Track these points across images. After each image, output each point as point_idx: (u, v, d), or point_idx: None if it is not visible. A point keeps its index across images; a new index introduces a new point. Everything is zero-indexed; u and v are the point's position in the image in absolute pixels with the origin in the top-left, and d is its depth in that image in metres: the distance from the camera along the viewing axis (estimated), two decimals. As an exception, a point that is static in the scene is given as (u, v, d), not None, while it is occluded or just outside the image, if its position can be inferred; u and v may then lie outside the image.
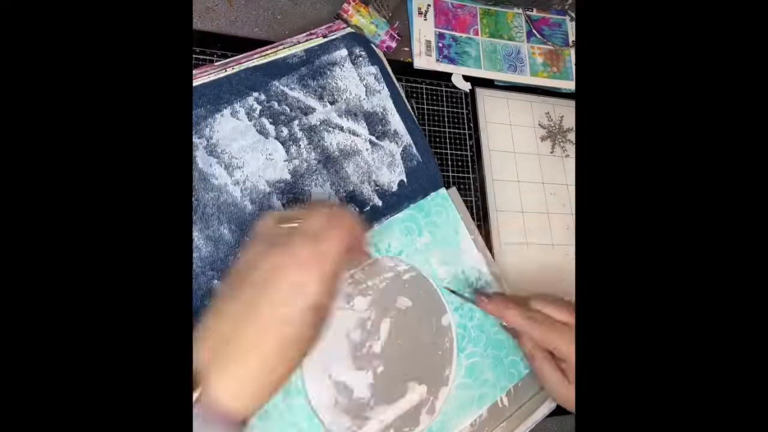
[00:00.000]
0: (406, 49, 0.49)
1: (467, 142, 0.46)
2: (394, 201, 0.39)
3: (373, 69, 0.42)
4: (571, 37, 0.56)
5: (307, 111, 0.39)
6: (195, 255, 0.33)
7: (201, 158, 0.35)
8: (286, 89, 0.39)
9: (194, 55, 0.40)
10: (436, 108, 0.47)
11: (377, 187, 0.39)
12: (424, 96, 0.47)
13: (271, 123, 0.38)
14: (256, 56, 0.39)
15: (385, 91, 0.42)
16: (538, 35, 0.54)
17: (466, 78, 0.49)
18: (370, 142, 0.40)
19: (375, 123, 0.41)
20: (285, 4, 0.46)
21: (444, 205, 0.40)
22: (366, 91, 0.41)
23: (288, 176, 0.37)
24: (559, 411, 0.38)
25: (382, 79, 0.42)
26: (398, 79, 0.46)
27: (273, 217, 0.28)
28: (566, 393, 0.33)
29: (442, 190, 0.41)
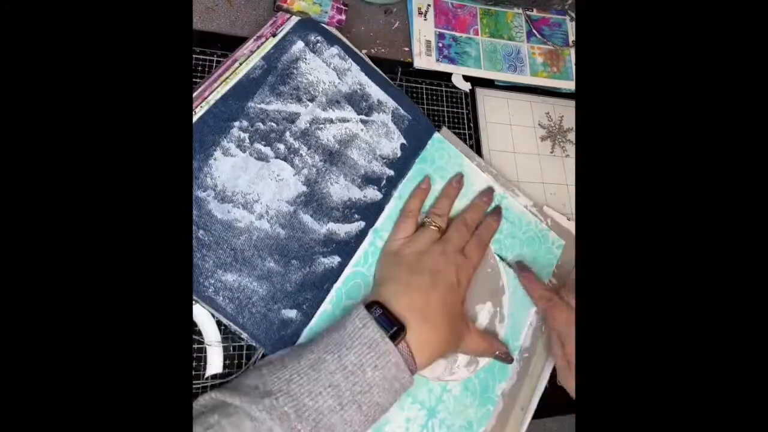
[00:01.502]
0: (407, 49, 0.49)
1: (467, 142, 0.46)
2: (402, 164, 0.41)
3: (335, 49, 0.41)
4: (571, 37, 0.56)
5: (293, 118, 0.38)
6: (255, 297, 0.33)
7: (216, 209, 0.34)
8: (263, 106, 0.37)
9: (194, 55, 0.40)
10: (436, 108, 0.47)
11: (384, 159, 0.40)
12: (424, 96, 0.47)
13: (265, 145, 0.36)
14: (217, 85, 0.37)
15: (354, 66, 0.41)
16: (538, 35, 0.54)
17: (466, 78, 0.49)
18: (361, 121, 0.40)
19: (358, 102, 0.41)
20: (285, 4, 0.46)
21: (442, 147, 0.43)
22: (337, 74, 0.41)
23: (304, 188, 0.37)
24: (559, 411, 0.38)
25: (347, 56, 0.41)
26: (398, 79, 0.46)
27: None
28: (566, 379, 0.35)
29: (436, 135, 0.43)
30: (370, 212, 0.38)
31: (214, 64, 0.41)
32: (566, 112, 0.52)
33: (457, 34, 0.51)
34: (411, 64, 0.48)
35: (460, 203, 0.41)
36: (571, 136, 0.51)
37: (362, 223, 0.38)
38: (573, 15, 0.56)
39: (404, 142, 0.41)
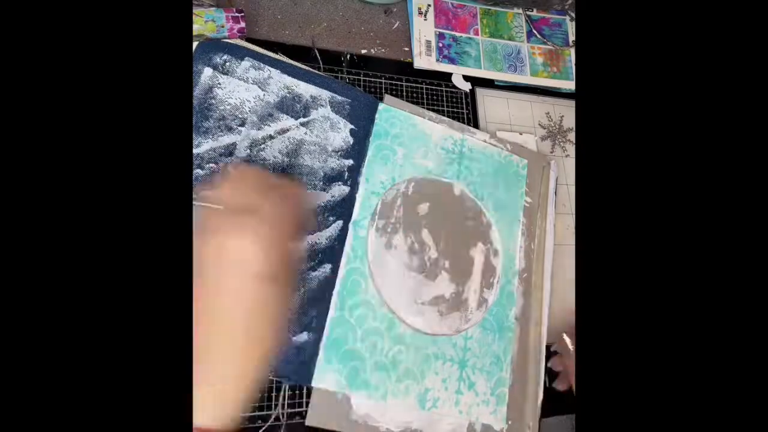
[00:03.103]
0: (407, 49, 0.49)
1: (467, 142, 0.46)
2: (358, 149, 0.39)
3: (247, 62, 0.38)
4: (571, 37, 0.56)
5: (230, 150, 0.35)
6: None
7: None
8: (194, 151, 0.35)
9: (251, 62, 0.40)
10: (436, 108, 0.47)
11: (339, 152, 0.39)
12: (424, 96, 0.47)
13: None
14: None
15: (274, 71, 0.39)
16: (538, 35, 0.54)
17: (466, 78, 0.49)
18: (302, 124, 0.38)
19: (291, 106, 0.38)
20: (285, 3, 0.46)
21: (391, 115, 0.42)
22: (259, 87, 0.38)
23: None
24: (559, 411, 0.38)
25: (262, 64, 0.39)
26: (398, 79, 0.46)
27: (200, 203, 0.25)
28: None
29: (381, 106, 0.42)
30: (343, 208, 0.37)
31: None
32: (566, 112, 0.52)
33: (457, 34, 0.51)
34: (411, 64, 0.48)
35: (423, 161, 0.41)
36: (571, 136, 0.51)
37: (340, 222, 0.37)
38: (573, 15, 0.56)
39: (352, 127, 0.40)
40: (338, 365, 0.34)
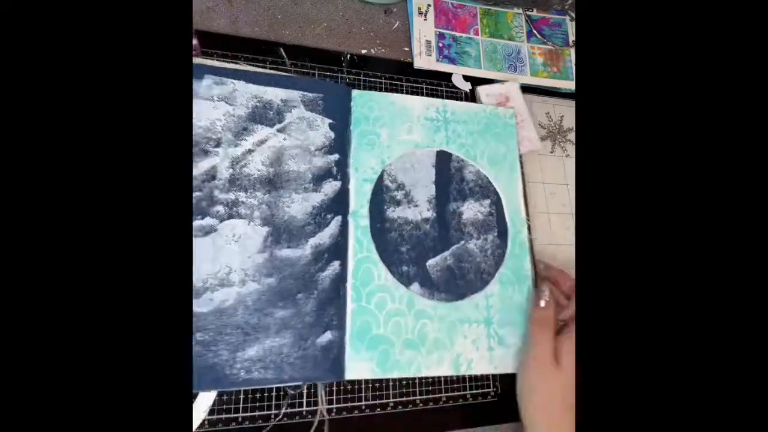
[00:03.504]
0: (407, 49, 0.49)
1: (467, 142, 0.46)
2: (341, 141, 0.39)
3: (208, 80, 0.37)
4: (571, 37, 0.56)
5: (212, 173, 0.35)
6: (285, 349, 0.32)
7: (198, 306, 0.32)
8: None
9: (213, 78, 0.40)
10: (436, 108, 0.47)
11: (322, 149, 0.38)
12: (425, 96, 0.47)
13: (201, 218, 0.33)
14: None
15: (238, 83, 0.38)
16: (538, 35, 0.54)
17: (467, 78, 0.49)
18: (278, 131, 0.37)
19: (264, 114, 0.37)
20: (285, 4, 0.46)
21: (366, 98, 0.42)
22: (226, 102, 0.37)
23: (265, 229, 0.35)
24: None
25: (223, 78, 0.38)
26: (398, 79, 0.46)
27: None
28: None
29: (354, 92, 0.41)
30: (339, 203, 0.37)
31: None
32: (566, 112, 0.52)
33: (457, 34, 0.51)
34: (411, 64, 0.48)
35: (408, 136, 0.41)
36: (571, 136, 0.51)
37: (338, 217, 0.37)
38: (573, 15, 0.56)
39: (330, 121, 0.39)
40: (367, 353, 0.34)
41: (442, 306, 0.37)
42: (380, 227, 0.38)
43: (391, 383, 0.36)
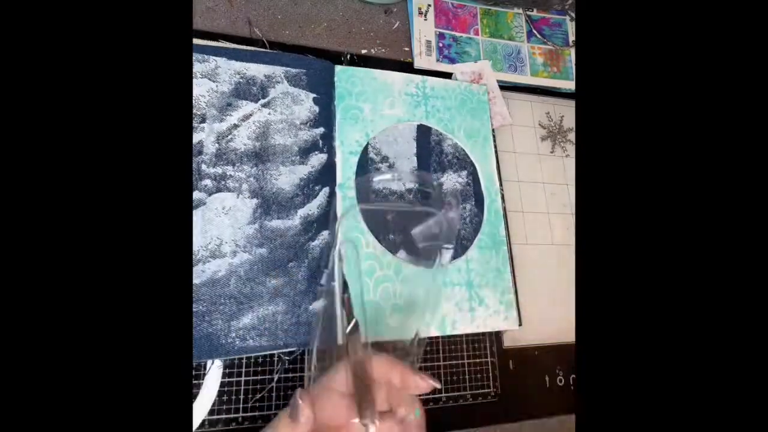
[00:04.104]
0: (407, 49, 0.49)
1: (467, 142, 0.46)
2: (326, 115, 0.39)
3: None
4: (571, 37, 0.56)
5: (199, 149, 0.35)
6: (279, 317, 0.33)
7: (194, 276, 0.32)
8: None
9: (195, 56, 0.40)
10: (436, 108, 0.47)
11: (308, 123, 0.39)
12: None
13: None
14: None
15: (220, 60, 0.38)
16: (538, 35, 0.54)
17: (467, 78, 0.49)
18: (263, 106, 0.38)
19: (247, 90, 0.38)
20: (285, 4, 0.46)
21: (350, 74, 0.43)
22: (209, 79, 0.37)
23: (254, 201, 0.35)
24: (559, 411, 0.38)
25: (205, 56, 0.38)
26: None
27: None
28: None
29: (338, 67, 0.42)
30: (326, 175, 0.38)
31: (215, 64, 0.41)
32: (566, 112, 0.52)
33: (458, 34, 0.51)
34: (411, 64, 0.48)
35: (391, 111, 0.42)
36: (571, 136, 0.51)
37: (326, 189, 0.37)
38: (573, 15, 0.56)
39: (314, 95, 0.40)
40: (359, 318, 0.34)
41: (427, 272, 0.38)
42: (366, 198, 0.39)
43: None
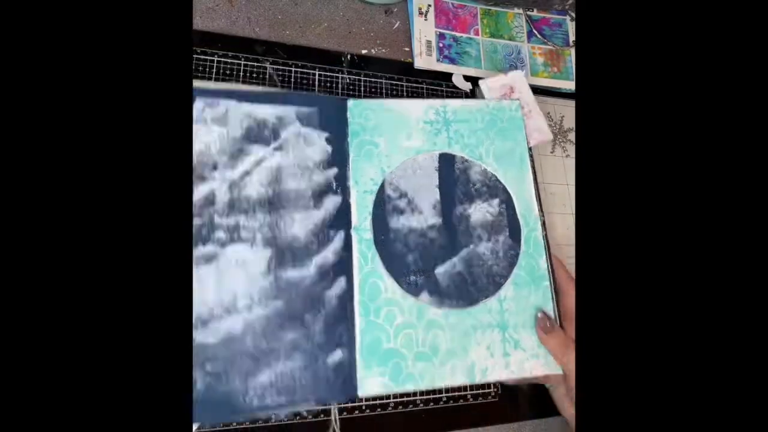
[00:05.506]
0: (407, 49, 0.49)
1: (467, 142, 0.46)
2: (339, 154, 0.38)
3: (199, 103, 0.36)
4: (571, 37, 0.56)
5: (210, 199, 0.34)
6: (297, 372, 0.32)
7: (206, 337, 0.31)
8: None
9: (195, 56, 0.40)
10: (436, 108, 0.47)
11: (321, 164, 0.37)
12: (425, 96, 0.47)
13: (203, 245, 0.33)
14: None
15: (231, 103, 0.36)
16: (538, 35, 0.54)
17: (467, 78, 0.49)
18: (275, 149, 0.36)
19: (259, 134, 0.36)
20: (286, 4, 0.46)
21: (362, 108, 0.40)
22: (220, 125, 0.36)
23: (268, 251, 0.34)
24: (558, 411, 0.38)
25: (215, 99, 0.36)
26: (398, 80, 0.46)
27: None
28: (566, 409, 0.37)
29: (350, 102, 0.40)
30: (341, 218, 0.36)
31: (215, 65, 0.41)
32: (566, 112, 0.52)
33: (458, 34, 0.51)
34: (411, 64, 0.48)
35: (412, 141, 0.40)
36: (572, 136, 0.51)
37: (341, 232, 0.36)
38: (573, 15, 0.56)
39: (327, 134, 0.38)
40: (379, 368, 0.33)
41: (454, 313, 0.36)
42: (384, 239, 0.37)
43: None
